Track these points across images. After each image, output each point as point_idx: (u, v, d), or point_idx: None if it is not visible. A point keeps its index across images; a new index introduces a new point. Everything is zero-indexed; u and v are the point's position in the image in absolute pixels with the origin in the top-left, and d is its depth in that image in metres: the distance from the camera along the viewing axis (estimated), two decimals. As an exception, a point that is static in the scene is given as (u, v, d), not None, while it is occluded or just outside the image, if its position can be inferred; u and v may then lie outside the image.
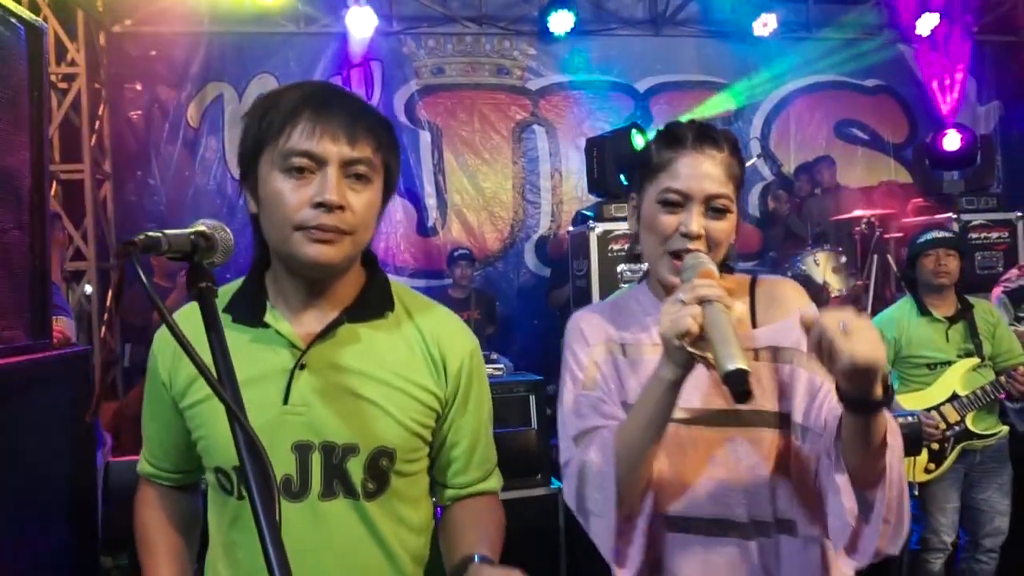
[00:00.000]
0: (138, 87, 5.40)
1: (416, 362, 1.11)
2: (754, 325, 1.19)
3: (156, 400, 1.16)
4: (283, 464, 1.05)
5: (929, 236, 2.97)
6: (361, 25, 5.36)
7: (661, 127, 1.24)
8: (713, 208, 1.14)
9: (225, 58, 5.51)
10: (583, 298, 3.78)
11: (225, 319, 1.06)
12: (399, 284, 1.19)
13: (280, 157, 1.01)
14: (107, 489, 1.80)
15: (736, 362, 0.93)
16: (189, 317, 0.97)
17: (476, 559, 1.04)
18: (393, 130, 1.11)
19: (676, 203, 1.14)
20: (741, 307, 1.11)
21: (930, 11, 6.09)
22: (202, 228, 0.88)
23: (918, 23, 6.13)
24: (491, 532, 1.14)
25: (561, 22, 5.65)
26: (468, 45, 5.95)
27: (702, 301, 0.99)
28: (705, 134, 1.17)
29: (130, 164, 5.35)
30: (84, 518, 1.96)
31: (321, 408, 1.05)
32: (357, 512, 1.06)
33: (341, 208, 1.00)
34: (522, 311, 5.79)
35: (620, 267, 3.70)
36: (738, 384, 0.93)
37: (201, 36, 5.46)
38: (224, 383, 0.80)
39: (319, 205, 0.99)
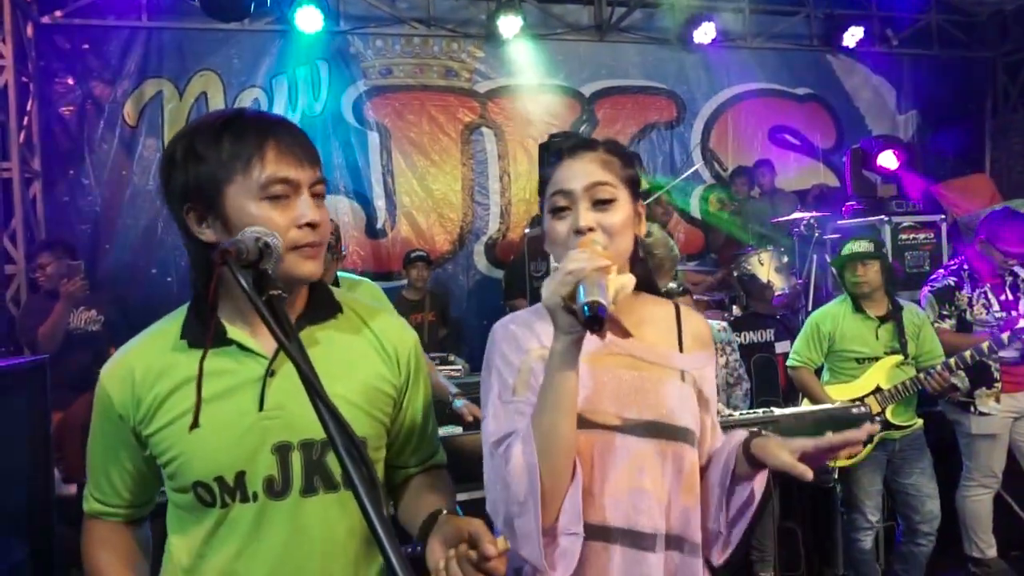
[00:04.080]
0: (70, 81, 5.15)
1: (373, 356, 1.20)
2: (681, 350, 1.28)
3: (110, 436, 1.15)
4: (265, 466, 1.09)
5: (846, 251, 3.12)
6: (307, 23, 5.28)
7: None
8: (598, 200, 1.20)
9: (164, 54, 5.31)
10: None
11: (182, 345, 1.11)
12: (336, 289, 1.26)
13: (258, 187, 1.05)
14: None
15: (595, 296, 0.96)
16: (158, 339, 1.10)
17: (444, 512, 1.10)
18: None
19: (564, 207, 1.22)
20: (630, 279, 1.10)
21: (855, 24, 6.46)
22: (260, 236, 0.92)
23: (844, 35, 6.50)
24: (448, 495, 1.24)
25: (509, 25, 5.72)
26: (416, 47, 5.93)
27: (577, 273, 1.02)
28: (579, 141, 1.28)
29: (62, 162, 5.10)
30: (41, 534, 1.89)
31: (296, 409, 1.08)
32: (338, 504, 1.13)
33: (319, 225, 1.08)
34: (472, 312, 5.81)
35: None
36: (592, 311, 0.95)
37: (139, 30, 5.26)
38: (310, 383, 0.85)
39: (306, 225, 1.06)
